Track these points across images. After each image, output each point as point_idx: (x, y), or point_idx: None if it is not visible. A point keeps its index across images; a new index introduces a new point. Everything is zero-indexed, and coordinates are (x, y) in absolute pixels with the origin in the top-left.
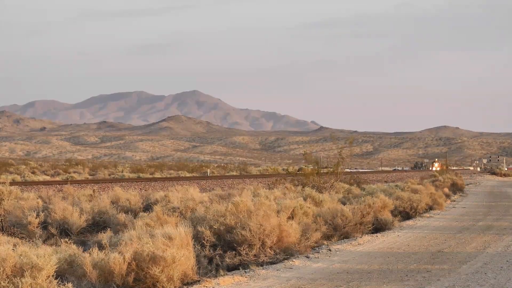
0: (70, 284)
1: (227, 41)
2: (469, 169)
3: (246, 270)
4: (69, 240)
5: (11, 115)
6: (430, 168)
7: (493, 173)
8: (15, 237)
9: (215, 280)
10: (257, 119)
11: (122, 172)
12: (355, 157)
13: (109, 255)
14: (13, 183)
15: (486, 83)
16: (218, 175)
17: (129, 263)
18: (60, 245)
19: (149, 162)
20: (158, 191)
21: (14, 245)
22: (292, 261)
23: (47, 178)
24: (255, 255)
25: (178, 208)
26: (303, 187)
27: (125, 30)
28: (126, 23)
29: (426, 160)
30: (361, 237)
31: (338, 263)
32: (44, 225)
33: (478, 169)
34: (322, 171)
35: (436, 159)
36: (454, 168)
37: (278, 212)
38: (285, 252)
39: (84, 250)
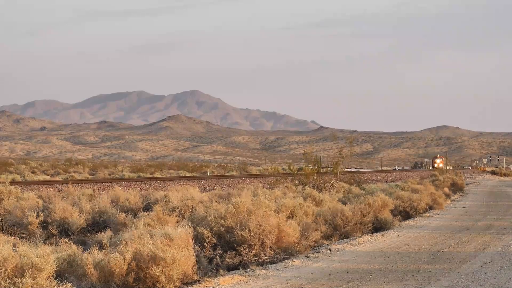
0: (69, 284)
1: (227, 41)
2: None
3: (246, 270)
4: (69, 240)
5: (11, 115)
6: (430, 168)
7: (494, 173)
8: (15, 237)
9: (215, 279)
10: (257, 119)
11: (122, 171)
12: (355, 157)
13: (110, 255)
14: (13, 182)
15: (486, 83)
16: (218, 174)
17: (129, 263)
18: (60, 245)
19: (149, 161)
20: (158, 191)
21: (14, 245)
22: (292, 260)
23: (47, 177)
24: (255, 255)
25: (178, 208)
26: (304, 186)
27: (125, 30)
28: (125, 23)
29: (426, 160)
30: (361, 236)
31: (338, 262)
32: (44, 225)
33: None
34: (322, 171)
35: (438, 155)
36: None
37: (277, 211)
38: (285, 252)
39: (84, 250)
